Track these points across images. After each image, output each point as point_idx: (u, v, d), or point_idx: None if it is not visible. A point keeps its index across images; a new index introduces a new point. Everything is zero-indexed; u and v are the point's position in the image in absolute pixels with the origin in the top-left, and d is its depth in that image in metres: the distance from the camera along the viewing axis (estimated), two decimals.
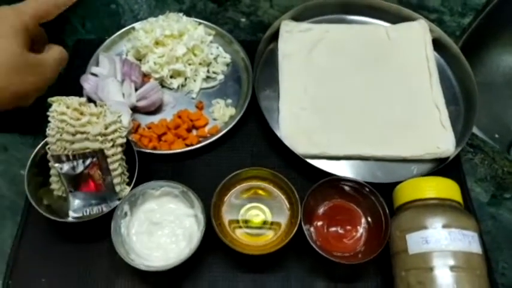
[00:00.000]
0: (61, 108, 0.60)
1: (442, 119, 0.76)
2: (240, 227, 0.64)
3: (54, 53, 0.46)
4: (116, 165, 0.64)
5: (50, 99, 0.61)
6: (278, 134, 0.73)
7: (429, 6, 0.93)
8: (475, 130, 0.77)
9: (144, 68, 0.80)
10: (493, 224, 0.70)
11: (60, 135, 0.61)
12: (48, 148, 0.63)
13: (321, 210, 0.66)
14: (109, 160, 0.63)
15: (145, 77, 0.81)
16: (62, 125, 0.61)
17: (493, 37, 0.96)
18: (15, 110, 0.65)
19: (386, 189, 0.66)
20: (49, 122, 0.62)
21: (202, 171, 0.72)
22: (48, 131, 0.62)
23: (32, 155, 0.65)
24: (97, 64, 0.80)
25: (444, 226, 0.56)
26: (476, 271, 0.55)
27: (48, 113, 0.61)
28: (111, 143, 0.63)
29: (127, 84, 0.75)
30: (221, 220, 0.64)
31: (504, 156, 0.75)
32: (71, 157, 0.62)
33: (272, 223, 0.65)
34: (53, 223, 0.62)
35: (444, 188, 0.62)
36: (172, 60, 0.80)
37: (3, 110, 0.41)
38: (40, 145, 0.65)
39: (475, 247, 0.56)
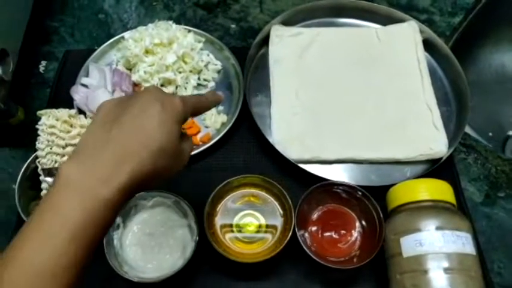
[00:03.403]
0: (50, 121, 0.60)
1: (434, 120, 0.75)
2: (234, 235, 0.64)
3: (189, 144, 0.50)
4: None
5: (39, 112, 0.61)
6: (270, 139, 0.73)
7: (419, 6, 0.93)
8: (467, 130, 0.77)
9: (135, 77, 0.79)
10: (487, 223, 0.70)
11: (50, 148, 0.61)
12: (39, 162, 0.62)
13: (314, 216, 0.65)
14: None
15: (136, 86, 0.80)
16: (52, 138, 0.61)
17: (484, 36, 0.96)
18: (5, 124, 0.65)
19: (381, 192, 0.65)
20: (39, 135, 0.61)
21: (194, 180, 0.72)
22: (38, 145, 0.62)
23: (23, 169, 0.65)
24: (87, 75, 0.80)
25: (438, 228, 0.56)
26: (470, 272, 0.55)
27: (37, 126, 0.61)
28: None
29: (117, 95, 0.75)
30: (214, 229, 0.64)
31: (497, 155, 0.75)
32: None
33: (266, 230, 0.64)
34: None
35: (437, 189, 0.62)
36: (163, 68, 0.79)
37: (146, 188, 0.44)
38: (30, 159, 0.65)
39: (469, 248, 0.56)
